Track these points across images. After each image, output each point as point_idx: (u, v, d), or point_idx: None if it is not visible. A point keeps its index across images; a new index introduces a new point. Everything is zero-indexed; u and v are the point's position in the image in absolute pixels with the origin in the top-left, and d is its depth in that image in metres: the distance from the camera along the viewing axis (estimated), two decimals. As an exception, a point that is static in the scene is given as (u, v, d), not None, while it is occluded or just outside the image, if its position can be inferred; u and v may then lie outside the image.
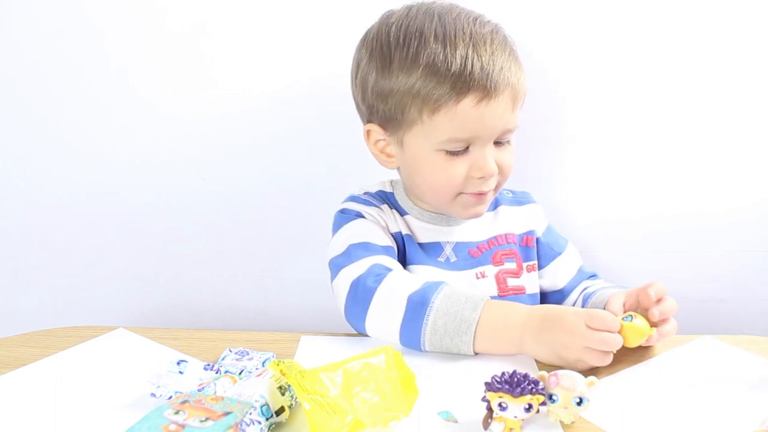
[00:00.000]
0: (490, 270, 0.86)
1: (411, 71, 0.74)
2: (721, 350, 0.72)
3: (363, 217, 0.84)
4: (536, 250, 0.90)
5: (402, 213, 0.87)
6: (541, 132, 1.03)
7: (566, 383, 0.56)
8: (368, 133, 0.83)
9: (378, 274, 0.74)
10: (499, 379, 0.54)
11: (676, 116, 1.04)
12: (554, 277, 0.91)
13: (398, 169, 0.86)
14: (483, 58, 0.73)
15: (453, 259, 0.86)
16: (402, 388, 0.57)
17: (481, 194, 0.80)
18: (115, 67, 1.06)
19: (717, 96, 1.02)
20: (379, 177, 0.94)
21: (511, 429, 0.54)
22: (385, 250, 0.80)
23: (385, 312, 0.71)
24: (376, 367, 0.57)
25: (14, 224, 1.15)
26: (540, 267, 0.91)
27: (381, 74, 0.77)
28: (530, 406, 0.54)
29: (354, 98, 0.86)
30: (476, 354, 0.70)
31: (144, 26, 1.04)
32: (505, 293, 0.86)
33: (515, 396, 0.53)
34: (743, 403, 0.61)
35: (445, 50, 0.73)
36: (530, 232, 0.90)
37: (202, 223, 1.14)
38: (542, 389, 0.55)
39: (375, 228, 0.83)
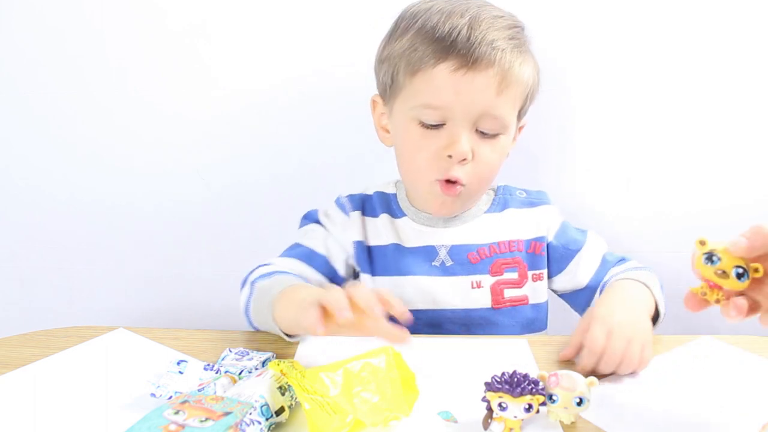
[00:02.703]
0: (487, 280, 0.83)
1: (405, 34, 0.75)
2: (721, 350, 0.72)
3: (318, 222, 0.88)
4: (547, 257, 0.86)
5: (399, 215, 0.87)
6: (542, 131, 1.03)
7: (566, 383, 0.56)
8: (373, 104, 0.84)
9: (260, 265, 0.80)
10: (499, 379, 0.54)
11: (677, 116, 1.04)
12: (575, 275, 0.86)
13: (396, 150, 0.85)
14: (474, 31, 0.72)
15: (449, 263, 0.83)
16: (402, 388, 0.57)
17: (449, 184, 0.76)
18: (115, 67, 1.06)
19: (718, 96, 1.02)
20: (381, 177, 0.93)
21: (511, 429, 0.54)
22: (307, 254, 0.84)
23: (243, 293, 0.78)
24: (377, 368, 0.57)
25: (14, 224, 1.15)
26: (559, 270, 0.87)
27: (387, 42, 0.79)
28: (530, 406, 0.54)
29: None
30: (287, 335, 0.70)
31: (144, 26, 1.04)
32: (499, 305, 0.83)
33: (515, 396, 0.53)
34: (743, 403, 0.61)
35: (440, 18, 0.73)
36: (540, 239, 0.86)
37: (203, 222, 1.14)
38: (542, 389, 0.55)
39: (321, 238, 0.86)
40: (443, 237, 0.85)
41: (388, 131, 0.83)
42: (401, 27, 0.77)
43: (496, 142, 0.76)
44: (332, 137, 1.07)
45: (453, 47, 0.71)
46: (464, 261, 0.83)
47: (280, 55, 1.04)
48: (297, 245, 0.86)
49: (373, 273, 0.85)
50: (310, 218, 0.89)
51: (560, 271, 0.87)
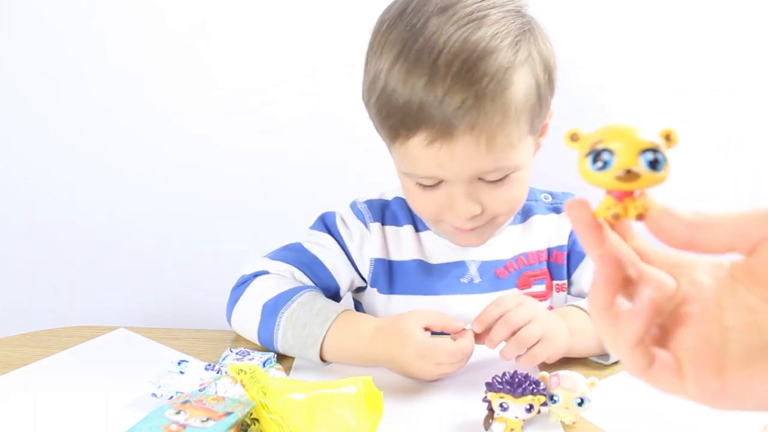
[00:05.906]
0: None
1: (372, 93, 0.64)
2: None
3: (332, 235, 0.78)
4: (567, 266, 0.79)
5: (420, 228, 0.78)
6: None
7: (567, 384, 0.56)
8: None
9: (256, 274, 0.74)
10: (500, 380, 0.54)
11: (678, 115, 1.04)
12: (579, 282, 0.79)
13: None
14: (437, 91, 0.58)
15: (477, 280, 0.76)
16: (368, 413, 0.54)
17: (463, 229, 0.69)
18: (115, 67, 1.06)
19: (720, 96, 1.02)
20: (381, 177, 0.93)
21: (512, 429, 0.54)
22: (308, 263, 0.75)
23: (246, 316, 0.71)
24: (344, 397, 0.53)
25: (15, 224, 1.16)
26: (569, 275, 0.80)
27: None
28: (531, 406, 0.54)
29: None
30: (327, 362, 0.67)
31: (144, 26, 1.04)
32: None
33: (516, 396, 0.53)
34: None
35: (400, 78, 0.60)
36: (561, 248, 0.78)
37: (203, 222, 1.14)
38: (543, 390, 0.55)
39: (331, 252, 0.77)
40: (473, 252, 0.77)
41: None
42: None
43: (509, 180, 0.65)
44: (332, 137, 1.07)
45: (419, 118, 0.59)
46: (492, 277, 0.77)
47: (280, 55, 1.04)
48: (300, 248, 0.77)
49: (392, 291, 0.77)
50: (327, 223, 0.79)
51: (570, 275, 0.80)
